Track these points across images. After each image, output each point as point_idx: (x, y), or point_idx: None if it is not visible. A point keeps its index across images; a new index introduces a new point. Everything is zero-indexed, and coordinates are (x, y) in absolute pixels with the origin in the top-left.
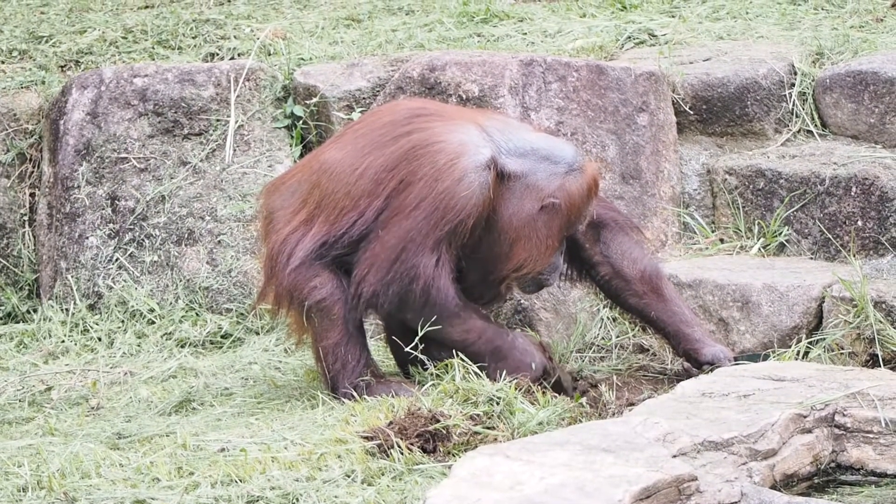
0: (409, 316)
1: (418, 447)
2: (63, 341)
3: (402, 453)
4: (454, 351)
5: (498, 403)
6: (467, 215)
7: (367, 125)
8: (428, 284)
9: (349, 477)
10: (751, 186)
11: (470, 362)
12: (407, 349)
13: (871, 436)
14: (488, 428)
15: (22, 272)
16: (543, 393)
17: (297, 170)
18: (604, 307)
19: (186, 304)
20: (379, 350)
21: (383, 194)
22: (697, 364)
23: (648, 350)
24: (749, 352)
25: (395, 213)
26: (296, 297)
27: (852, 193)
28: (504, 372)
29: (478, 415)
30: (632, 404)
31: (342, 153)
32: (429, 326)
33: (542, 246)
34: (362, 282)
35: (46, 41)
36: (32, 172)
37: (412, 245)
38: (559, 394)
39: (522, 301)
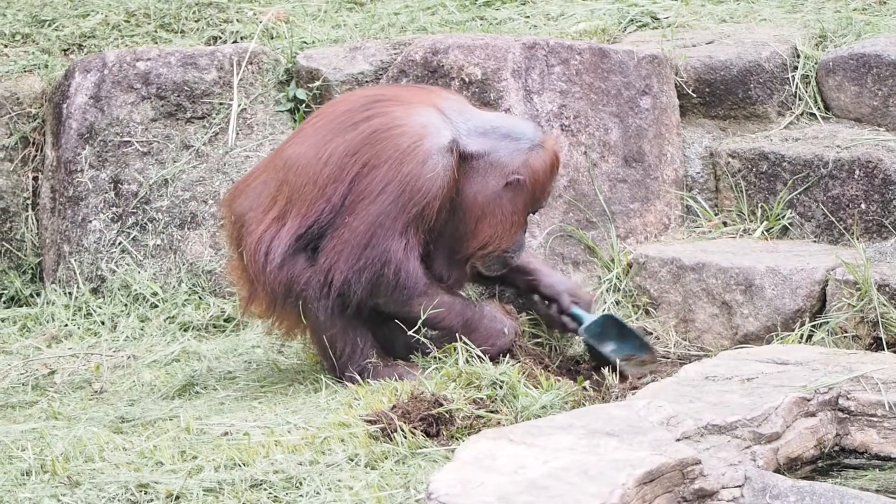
0: (380, 301)
1: (421, 431)
2: (66, 325)
3: (405, 437)
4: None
5: (501, 387)
6: (433, 197)
7: (325, 116)
8: (399, 268)
9: (352, 461)
10: (754, 169)
11: (472, 345)
12: (410, 332)
13: (874, 419)
14: (492, 412)
15: (25, 256)
16: (547, 377)
17: (259, 171)
18: (606, 290)
19: (189, 288)
20: None
21: (347, 179)
22: (542, 296)
23: (651, 333)
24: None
25: (361, 198)
26: (293, 292)
27: (855, 176)
28: (477, 342)
29: (481, 398)
30: (635, 388)
31: (304, 146)
32: (400, 311)
33: (507, 223)
34: (332, 269)
35: (49, 25)
36: (35, 156)
37: (381, 230)
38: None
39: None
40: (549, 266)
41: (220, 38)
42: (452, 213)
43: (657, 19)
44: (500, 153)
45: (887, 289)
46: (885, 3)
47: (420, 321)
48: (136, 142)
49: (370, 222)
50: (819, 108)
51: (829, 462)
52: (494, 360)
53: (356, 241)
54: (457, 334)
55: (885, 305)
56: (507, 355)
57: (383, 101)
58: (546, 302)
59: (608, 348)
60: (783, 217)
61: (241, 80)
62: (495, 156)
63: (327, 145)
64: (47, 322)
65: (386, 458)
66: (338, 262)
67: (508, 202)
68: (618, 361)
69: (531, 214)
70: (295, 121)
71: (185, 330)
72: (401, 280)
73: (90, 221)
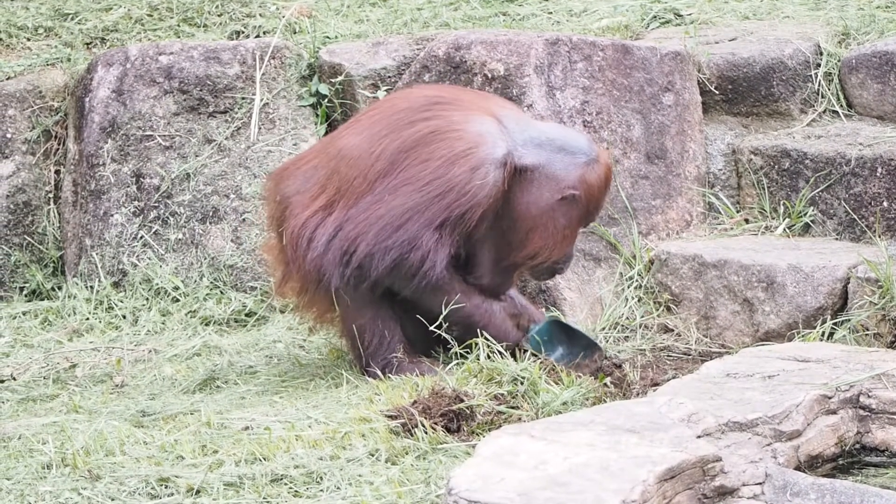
0: (396, 284)
1: (442, 426)
2: (88, 319)
3: (426, 432)
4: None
5: (522, 383)
6: (477, 204)
7: (383, 111)
8: (425, 257)
9: (373, 456)
10: (776, 167)
11: (494, 341)
12: (431, 327)
13: (895, 417)
14: (512, 408)
15: (47, 249)
16: (568, 374)
17: (311, 155)
18: (628, 287)
19: (211, 282)
20: None
21: (395, 172)
22: None
23: (673, 330)
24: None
25: (406, 183)
26: (326, 278)
27: (878, 174)
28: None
29: (502, 394)
30: (656, 384)
31: (359, 138)
32: (414, 297)
33: (559, 236)
34: (359, 239)
35: (72, 18)
36: (58, 150)
37: (418, 216)
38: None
39: (548, 281)
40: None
41: (243, 32)
42: (499, 221)
43: (680, 16)
44: (555, 166)
45: None
46: None
47: (441, 316)
48: (159, 136)
49: (409, 207)
50: (842, 105)
51: (849, 460)
52: None
53: (391, 221)
54: (461, 333)
55: None
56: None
57: (443, 104)
58: None
59: (556, 354)
60: (805, 214)
61: (263, 74)
62: (550, 168)
63: (382, 140)
64: (69, 316)
65: (406, 454)
66: (367, 234)
67: (562, 216)
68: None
69: (583, 228)
70: (317, 115)
71: (207, 324)
72: (423, 269)
73: (112, 215)
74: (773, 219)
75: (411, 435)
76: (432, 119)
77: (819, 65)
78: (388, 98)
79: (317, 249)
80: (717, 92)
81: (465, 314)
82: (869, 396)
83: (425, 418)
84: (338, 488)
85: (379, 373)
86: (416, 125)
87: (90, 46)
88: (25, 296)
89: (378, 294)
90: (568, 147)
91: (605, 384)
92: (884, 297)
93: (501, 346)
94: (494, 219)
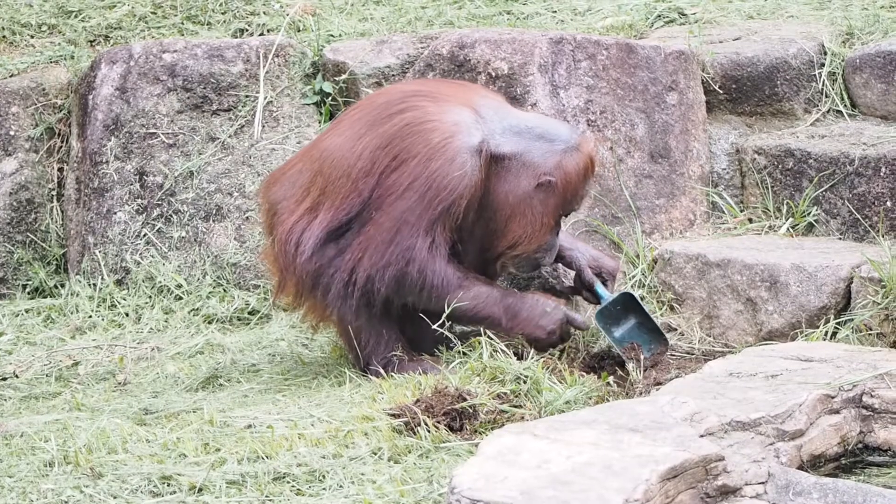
0: (409, 299)
1: (445, 425)
2: (90, 316)
3: (428, 431)
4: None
5: (525, 382)
6: (460, 196)
7: (362, 109)
8: (423, 267)
9: (376, 454)
10: (780, 166)
11: (497, 339)
12: (434, 326)
13: None
14: (515, 406)
15: (50, 247)
16: (571, 373)
17: (296, 160)
18: (631, 287)
19: (214, 281)
20: None
21: (377, 172)
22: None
23: (676, 329)
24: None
25: (388, 193)
26: (320, 284)
27: (881, 174)
28: (521, 326)
29: (505, 393)
30: (659, 384)
31: (341, 138)
32: (436, 308)
33: (536, 223)
34: (357, 266)
35: (76, 16)
36: (61, 147)
37: (406, 227)
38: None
39: (551, 279)
40: (569, 236)
41: (247, 30)
42: (482, 212)
43: (684, 15)
44: (532, 154)
45: None
46: None
47: (460, 315)
48: (162, 133)
49: (396, 218)
50: (845, 105)
51: (852, 459)
52: (544, 349)
53: (381, 237)
54: (500, 322)
55: None
56: (560, 341)
57: (419, 96)
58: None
59: (623, 328)
60: (809, 214)
61: (267, 72)
62: (528, 156)
63: (362, 138)
64: (71, 313)
65: (409, 452)
66: (362, 258)
67: (539, 203)
68: (623, 353)
69: (563, 217)
70: (321, 114)
71: (210, 322)
72: (427, 279)
73: (115, 213)
74: (777, 218)
75: (414, 433)
76: (407, 111)
77: (823, 64)
78: (369, 95)
79: (304, 254)
80: (720, 91)
81: (495, 301)
82: (872, 396)
83: (428, 417)
84: (340, 487)
85: (381, 371)
86: (393, 119)
87: (94, 44)
88: (28, 293)
89: (393, 312)
90: (547, 135)
91: (608, 383)
92: (887, 297)
93: (546, 317)
94: (478, 209)
